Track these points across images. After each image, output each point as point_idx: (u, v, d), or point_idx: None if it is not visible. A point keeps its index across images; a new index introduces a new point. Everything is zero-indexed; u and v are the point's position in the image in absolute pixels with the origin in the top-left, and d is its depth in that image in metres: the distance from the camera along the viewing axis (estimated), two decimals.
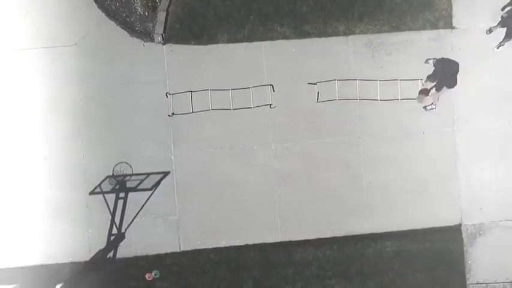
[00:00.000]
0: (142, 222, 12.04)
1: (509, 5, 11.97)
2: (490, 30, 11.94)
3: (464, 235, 12.11)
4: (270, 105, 12.04)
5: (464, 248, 12.09)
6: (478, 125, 12.08)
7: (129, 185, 12.05)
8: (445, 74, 11.71)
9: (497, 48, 11.98)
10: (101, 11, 12.06)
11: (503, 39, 11.80)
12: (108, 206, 12.00)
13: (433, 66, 11.93)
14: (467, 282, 12.08)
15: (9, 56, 12.04)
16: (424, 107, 11.94)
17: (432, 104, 11.74)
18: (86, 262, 11.98)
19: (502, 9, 11.98)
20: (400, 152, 12.08)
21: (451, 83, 11.55)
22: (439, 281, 12.00)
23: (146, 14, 12.07)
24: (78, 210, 12.01)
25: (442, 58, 12.00)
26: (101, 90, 12.04)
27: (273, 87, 12.03)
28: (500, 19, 11.80)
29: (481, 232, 12.10)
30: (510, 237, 12.10)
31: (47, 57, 12.05)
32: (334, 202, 12.11)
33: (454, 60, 12.01)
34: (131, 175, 12.02)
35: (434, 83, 11.50)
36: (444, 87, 11.39)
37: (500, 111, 12.09)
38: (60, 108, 12.05)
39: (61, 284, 11.50)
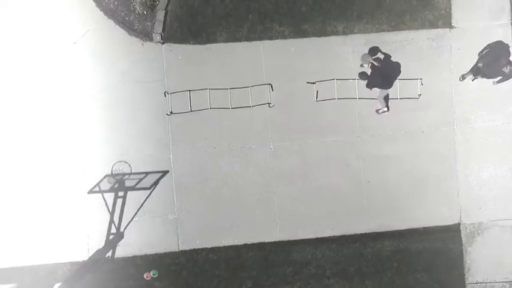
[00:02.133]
0: (141, 221, 12.02)
1: (486, 49, 11.99)
2: (463, 77, 11.97)
3: (463, 234, 12.11)
4: (269, 104, 12.03)
5: (463, 248, 12.09)
6: (477, 124, 12.09)
7: (127, 184, 12.02)
8: (381, 73, 11.47)
9: (461, 79, 12.04)
10: (99, 10, 12.03)
11: (469, 71, 11.87)
12: (107, 205, 11.97)
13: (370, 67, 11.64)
14: (466, 282, 12.08)
15: (8, 55, 12.02)
16: (377, 111, 12.00)
17: (383, 107, 11.84)
18: (84, 262, 11.95)
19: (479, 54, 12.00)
20: (399, 151, 12.08)
21: (384, 84, 11.41)
22: (438, 281, 12.00)
23: (145, 12, 12.06)
24: (76, 210, 11.98)
25: (386, 55, 12.01)
26: (100, 89, 12.01)
27: (271, 86, 12.02)
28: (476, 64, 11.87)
29: (479, 231, 12.10)
30: (509, 236, 12.10)
31: (46, 56, 12.02)
32: (333, 201, 12.11)
33: (395, 63, 12.01)
34: (130, 174, 12.00)
35: (366, 80, 11.37)
36: (376, 88, 11.38)
37: (499, 111, 12.09)
38: (59, 107, 12.03)
39: (59, 284, 11.50)
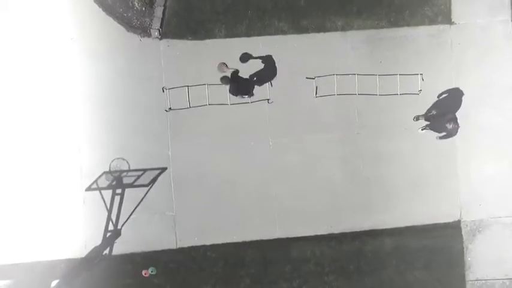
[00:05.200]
0: (138, 218, 11.94)
1: (444, 94, 11.98)
2: (417, 118, 11.91)
3: (463, 231, 12.07)
4: (268, 100, 11.98)
5: (464, 245, 12.05)
6: (477, 120, 12.03)
7: (125, 181, 11.96)
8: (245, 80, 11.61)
9: (422, 130, 11.90)
10: (97, 6, 11.97)
11: (424, 113, 11.82)
12: (104, 202, 11.89)
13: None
14: (466, 279, 12.04)
15: (4, 51, 11.94)
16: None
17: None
18: (81, 259, 11.88)
19: (438, 96, 11.98)
20: (399, 147, 12.04)
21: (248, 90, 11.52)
22: (438, 278, 11.95)
23: (143, 8, 12.01)
24: (74, 206, 11.90)
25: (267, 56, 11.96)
26: (98, 86, 11.95)
27: (270, 82, 11.96)
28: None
29: (480, 229, 12.06)
30: (509, 233, 12.07)
31: (43, 52, 11.95)
32: (332, 198, 12.05)
33: (271, 68, 11.96)
34: (128, 171, 11.94)
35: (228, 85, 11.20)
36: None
37: (499, 107, 12.05)
38: (56, 104, 11.96)
39: (57, 281, 11.45)
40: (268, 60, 11.94)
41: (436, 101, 11.95)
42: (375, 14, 11.99)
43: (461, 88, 12.04)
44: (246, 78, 11.73)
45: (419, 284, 11.94)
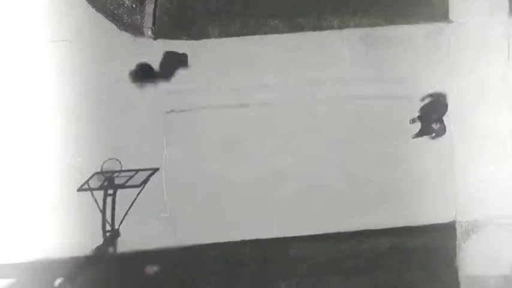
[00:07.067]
0: (138, 218, 11.92)
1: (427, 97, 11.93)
2: (413, 121, 11.88)
3: (458, 232, 12.16)
4: (265, 101, 11.91)
5: (457, 243, 12.16)
6: (475, 122, 12.05)
7: (119, 181, 11.91)
8: None
9: (413, 137, 11.93)
10: (91, 7, 11.84)
11: (419, 132, 11.83)
12: (97, 203, 11.85)
13: None
14: (461, 279, 12.12)
15: (2, 53, 11.87)
16: None
17: None
18: (84, 257, 11.86)
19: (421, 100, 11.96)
20: (396, 149, 12.05)
21: None
22: (433, 277, 12.08)
23: (134, 6, 11.88)
24: (74, 206, 11.87)
25: None
26: (95, 87, 11.85)
27: (266, 83, 11.90)
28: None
29: (475, 229, 12.19)
30: (504, 234, 12.18)
31: (39, 53, 11.87)
32: (330, 199, 12.08)
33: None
34: (120, 171, 11.90)
35: None
36: None
37: (497, 108, 12.07)
38: (53, 105, 11.89)
39: (61, 279, 11.48)
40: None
41: (422, 106, 11.94)
42: (372, 12, 11.91)
43: (459, 88, 12.04)
44: None
45: (415, 283, 12.07)
